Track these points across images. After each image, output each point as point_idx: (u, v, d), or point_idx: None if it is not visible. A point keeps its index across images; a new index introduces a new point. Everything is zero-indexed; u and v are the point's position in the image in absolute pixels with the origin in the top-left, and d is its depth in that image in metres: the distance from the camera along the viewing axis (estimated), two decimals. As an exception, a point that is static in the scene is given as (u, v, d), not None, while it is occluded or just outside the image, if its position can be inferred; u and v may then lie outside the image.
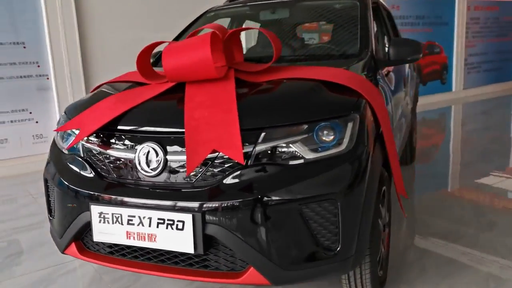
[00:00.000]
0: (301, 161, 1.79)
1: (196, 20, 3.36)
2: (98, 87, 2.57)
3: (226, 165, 1.80)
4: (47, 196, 2.27)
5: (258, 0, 3.37)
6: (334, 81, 2.03)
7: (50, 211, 2.26)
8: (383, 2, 4.52)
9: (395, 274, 2.49)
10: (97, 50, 5.49)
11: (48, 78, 5.21)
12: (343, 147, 1.84)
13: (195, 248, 1.76)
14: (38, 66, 5.16)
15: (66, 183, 2.04)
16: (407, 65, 3.87)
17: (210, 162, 1.81)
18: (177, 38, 3.12)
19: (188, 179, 1.82)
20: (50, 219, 2.27)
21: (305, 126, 1.83)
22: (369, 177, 1.89)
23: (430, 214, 3.40)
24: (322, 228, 1.79)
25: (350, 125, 1.88)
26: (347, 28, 2.87)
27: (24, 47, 5.05)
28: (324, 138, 1.83)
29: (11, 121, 5.06)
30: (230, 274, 1.81)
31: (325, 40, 4.33)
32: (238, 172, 1.76)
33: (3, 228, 3.43)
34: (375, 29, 2.93)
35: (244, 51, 2.60)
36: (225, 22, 3.74)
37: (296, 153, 1.80)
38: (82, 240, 2.07)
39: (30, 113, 5.14)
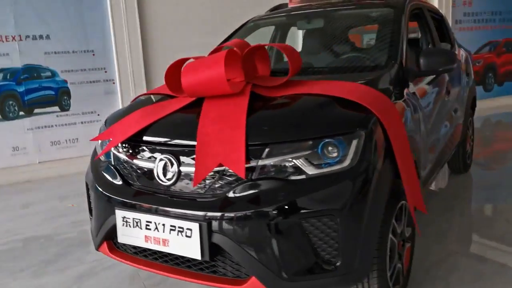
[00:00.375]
0: (303, 176, 1.86)
1: (238, 29, 3.48)
2: (136, 98, 2.78)
3: (232, 178, 1.90)
4: (88, 197, 2.51)
5: (297, 10, 3.43)
6: (345, 97, 2.05)
7: (90, 211, 2.50)
8: (436, 6, 4.37)
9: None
10: (158, 55, 5.82)
11: (114, 83, 5.62)
12: (346, 163, 1.88)
13: (202, 254, 1.89)
14: (105, 71, 5.58)
15: (99, 188, 2.26)
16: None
17: (218, 175, 1.92)
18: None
19: (198, 190, 1.95)
20: (90, 218, 2.51)
21: (310, 142, 1.89)
22: (374, 193, 1.91)
23: (470, 228, 3.28)
24: (323, 242, 1.85)
25: (354, 142, 1.91)
26: (379, 37, 2.86)
27: (93, 55, 5.50)
28: (328, 155, 1.88)
29: (81, 122, 5.53)
30: (234, 281, 1.92)
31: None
32: (242, 186, 1.87)
33: (68, 221, 3.79)
34: (409, 37, 2.88)
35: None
36: (269, 30, 3.85)
37: (299, 168, 1.86)
38: (112, 240, 2.27)
39: (98, 115, 5.59)
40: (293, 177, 1.86)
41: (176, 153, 2.02)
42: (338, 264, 1.86)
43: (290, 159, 1.87)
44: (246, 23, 3.53)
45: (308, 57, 3.04)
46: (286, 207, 1.82)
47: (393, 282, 2.19)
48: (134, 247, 2.18)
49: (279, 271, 1.84)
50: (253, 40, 2.86)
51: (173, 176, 2.00)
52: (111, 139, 2.28)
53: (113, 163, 2.29)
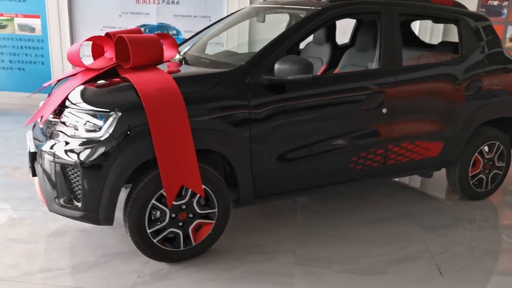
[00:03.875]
0: (83, 135, 2.57)
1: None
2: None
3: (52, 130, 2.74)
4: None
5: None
6: (135, 86, 2.60)
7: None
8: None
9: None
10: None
11: (222, 46, 6.62)
12: (101, 133, 2.52)
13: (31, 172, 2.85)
14: (218, 36, 6.62)
15: None
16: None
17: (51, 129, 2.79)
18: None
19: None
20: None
21: (90, 113, 2.58)
22: (117, 161, 2.49)
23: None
24: (75, 185, 2.58)
25: (110, 119, 2.51)
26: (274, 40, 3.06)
27: (210, 20, 6.58)
28: (95, 124, 2.55)
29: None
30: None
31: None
32: (51, 134, 2.70)
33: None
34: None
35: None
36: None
37: (78, 130, 2.59)
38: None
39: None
40: (73, 135, 2.60)
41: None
42: (80, 204, 2.57)
43: (73, 123, 2.61)
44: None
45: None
46: (58, 155, 2.58)
47: (168, 243, 2.74)
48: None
49: (55, 198, 2.66)
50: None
51: None
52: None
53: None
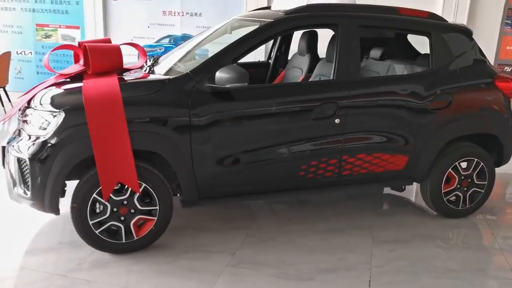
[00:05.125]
0: (35, 132, 2.89)
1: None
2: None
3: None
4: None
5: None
6: (83, 90, 2.88)
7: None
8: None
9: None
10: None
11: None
12: (46, 131, 2.82)
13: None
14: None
15: None
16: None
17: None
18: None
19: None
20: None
21: (47, 113, 2.89)
22: (57, 156, 2.78)
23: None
24: (27, 176, 2.90)
25: (55, 119, 2.81)
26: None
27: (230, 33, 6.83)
28: (46, 122, 2.85)
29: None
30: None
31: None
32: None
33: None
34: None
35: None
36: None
37: (36, 127, 2.91)
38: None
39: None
40: (28, 133, 2.93)
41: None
42: (29, 193, 2.89)
43: (31, 121, 2.94)
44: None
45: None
46: (16, 150, 2.92)
47: (111, 234, 2.99)
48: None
49: (14, 187, 3.00)
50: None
51: None
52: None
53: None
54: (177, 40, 7.16)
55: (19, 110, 3.14)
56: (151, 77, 3.20)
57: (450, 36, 3.63)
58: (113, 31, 7.40)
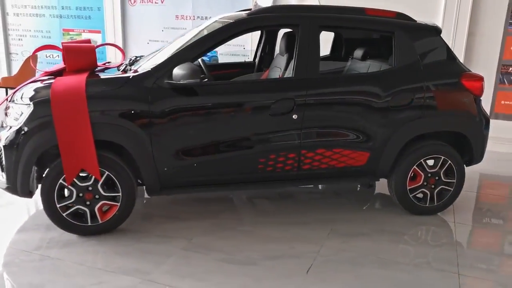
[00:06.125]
0: (11, 123, 3.23)
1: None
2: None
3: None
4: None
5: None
6: (53, 86, 3.19)
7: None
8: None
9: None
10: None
11: (248, 57, 7.06)
12: (18, 122, 3.15)
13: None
14: (244, 48, 7.08)
15: None
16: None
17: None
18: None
19: None
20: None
21: (19, 105, 3.23)
22: (26, 145, 3.10)
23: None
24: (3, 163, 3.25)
25: (26, 110, 3.13)
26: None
27: (237, 34, 7.07)
28: (20, 114, 3.19)
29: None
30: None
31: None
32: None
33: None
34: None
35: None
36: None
37: (12, 118, 3.25)
38: None
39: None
40: (7, 123, 3.27)
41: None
42: (5, 178, 3.22)
43: (10, 112, 3.28)
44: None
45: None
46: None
47: (79, 217, 3.29)
48: None
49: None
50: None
51: None
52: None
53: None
54: (188, 43, 7.47)
55: (1, 103, 3.50)
56: (118, 74, 3.47)
57: (415, 35, 3.69)
58: (130, 34, 7.83)
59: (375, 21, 3.68)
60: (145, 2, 7.64)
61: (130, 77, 3.30)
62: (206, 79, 3.58)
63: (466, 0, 5.98)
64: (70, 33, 8.29)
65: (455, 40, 6.12)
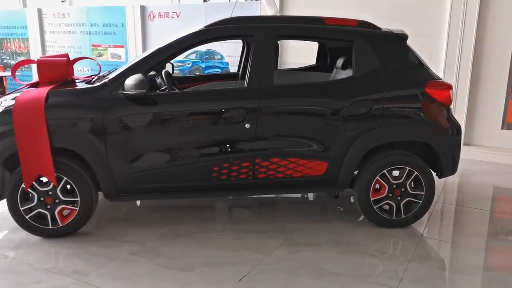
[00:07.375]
0: None
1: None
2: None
3: None
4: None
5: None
6: (19, 95, 3.45)
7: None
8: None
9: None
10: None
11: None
12: (-11, 131, 3.44)
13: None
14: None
15: None
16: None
17: None
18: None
19: None
20: None
21: None
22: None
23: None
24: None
25: (-1, 120, 3.41)
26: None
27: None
28: None
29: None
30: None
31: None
32: None
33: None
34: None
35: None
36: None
37: None
38: None
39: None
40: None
41: None
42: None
43: None
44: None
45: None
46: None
47: (42, 220, 3.50)
48: None
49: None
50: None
51: None
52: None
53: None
54: (202, 55, 7.69)
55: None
56: (82, 85, 3.68)
57: (376, 43, 3.61)
58: (150, 47, 8.18)
59: (333, 30, 3.65)
60: (162, 17, 7.97)
61: (89, 88, 3.49)
62: (167, 90, 3.72)
63: (472, 4, 5.74)
64: (98, 48, 8.79)
65: (462, 46, 5.87)
